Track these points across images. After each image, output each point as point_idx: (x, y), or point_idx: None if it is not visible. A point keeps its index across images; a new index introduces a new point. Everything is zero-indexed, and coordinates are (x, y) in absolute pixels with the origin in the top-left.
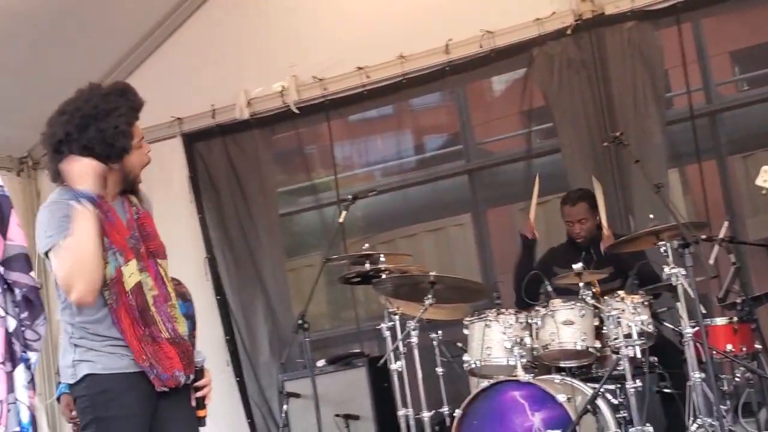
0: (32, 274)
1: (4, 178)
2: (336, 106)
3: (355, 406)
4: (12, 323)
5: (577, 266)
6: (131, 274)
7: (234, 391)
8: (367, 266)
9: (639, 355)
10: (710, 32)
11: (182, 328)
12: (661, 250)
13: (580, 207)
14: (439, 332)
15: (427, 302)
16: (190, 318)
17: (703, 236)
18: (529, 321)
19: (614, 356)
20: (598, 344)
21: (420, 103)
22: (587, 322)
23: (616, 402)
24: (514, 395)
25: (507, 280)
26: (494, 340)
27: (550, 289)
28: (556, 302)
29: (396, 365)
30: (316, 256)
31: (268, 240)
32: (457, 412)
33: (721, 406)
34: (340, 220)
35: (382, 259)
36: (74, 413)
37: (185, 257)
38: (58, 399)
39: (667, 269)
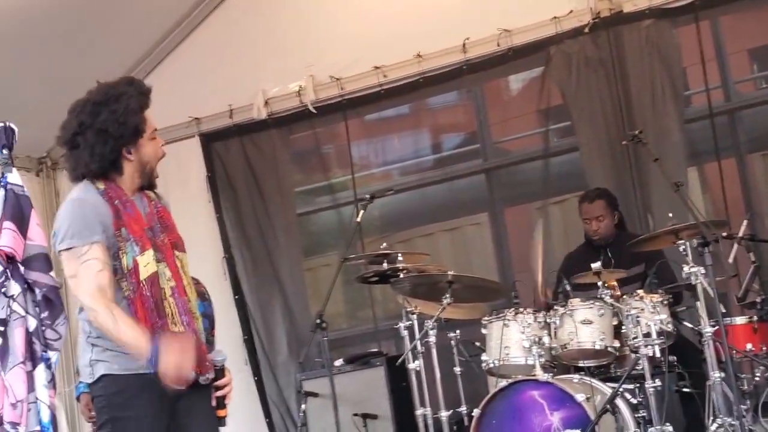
0: (52, 273)
1: (24, 178)
2: (353, 105)
3: (373, 405)
4: (32, 323)
5: (596, 265)
6: (147, 263)
7: (252, 390)
8: (385, 265)
9: (658, 355)
10: (728, 30)
11: (198, 324)
12: (681, 249)
13: (597, 204)
14: (457, 331)
15: (445, 301)
16: (209, 317)
17: (723, 235)
18: (548, 320)
19: (633, 355)
20: (617, 343)
21: (437, 102)
22: (606, 321)
23: (635, 401)
24: (533, 395)
25: (524, 279)
26: (513, 340)
27: (568, 288)
28: (575, 301)
29: (414, 364)
30: (334, 256)
31: (286, 239)
32: (476, 412)
33: (741, 406)
34: (358, 219)
35: (400, 258)
36: (93, 413)
37: (203, 257)
38: (78, 398)
39: (686, 268)
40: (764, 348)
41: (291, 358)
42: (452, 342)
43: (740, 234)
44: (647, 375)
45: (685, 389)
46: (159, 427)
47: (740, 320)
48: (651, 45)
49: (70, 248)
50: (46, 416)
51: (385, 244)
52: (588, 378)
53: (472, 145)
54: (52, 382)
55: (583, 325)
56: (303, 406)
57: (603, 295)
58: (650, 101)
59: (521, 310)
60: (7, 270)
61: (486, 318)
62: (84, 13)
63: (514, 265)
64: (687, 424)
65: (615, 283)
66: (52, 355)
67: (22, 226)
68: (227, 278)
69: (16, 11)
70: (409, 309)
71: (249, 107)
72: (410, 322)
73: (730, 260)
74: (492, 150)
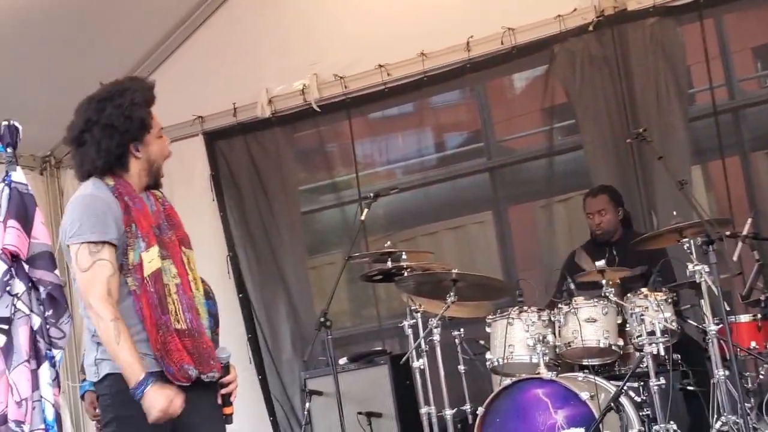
0: (56, 272)
1: (27, 177)
2: (357, 104)
3: (377, 403)
4: (37, 321)
5: (600, 263)
6: (151, 260)
7: (256, 388)
8: (389, 264)
9: (662, 353)
10: (732, 28)
11: (204, 320)
12: (685, 247)
13: (600, 198)
14: (462, 330)
15: (449, 300)
16: (213, 316)
17: (727, 233)
18: (552, 319)
19: (637, 354)
20: (621, 342)
21: (440, 100)
22: (610, 319)
23: (639, 400)
24: (537, 393)
25: (529, 278)
26: (517, 338)
27: (572, 286)
28: (579, 300)
29: (418, 363)
30: (338, 254)
31: (290, 238)
32: (480, 410)
33: (745, 404)
34: (362, 217)
35: (404, 256)
36: (98, 411)
37: (207, 255)
38: (82, 396)
39: (690, 266)
40: None
41: (295, 356)
42: (456, 340)
43: (744, 232)
44: (651, 373)
45: (689, 387)
46: (164, 425)
47: (744, 318)
48: (655, 43)
49: (85, 242)
50: (50, 414)
51: (389, 243)
52: (592, 376)
53: (476, 144)
54: (56, 381)
55: (588, 324)
56: (307, 405)
57: (607, 294)
58: (654, 99)
59: (525, 308)
60: (12, 268)
61: (490, 316)
62: (88, 12)
63: (518, 264)
64: (691, 423)
65: (618, 281)
66: (57, 354)
67: (27, 225)
68: (231, 277)
69: (20, 11)
70: (413, 307)
71: (253, 106)
72: (414, 320)
73: (735, 258)
74: (496, 148)
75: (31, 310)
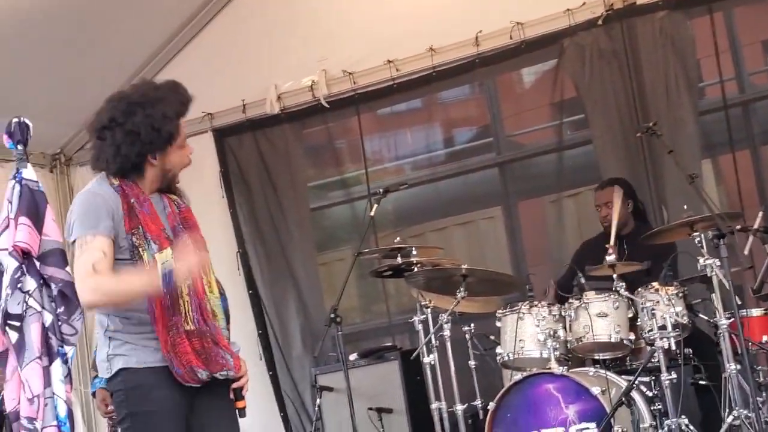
0: (68, 269)
1: (38, 174)
2: (366, 99)
3: (387, 399)
4: (48, 318)
5: (610, 258)
6: (164, 261)
7: (267, 385)
8: (399, 260)
9: (674, 347)
10: (742, 21)
11: (219, 322)
12: (696, 241)
13: (607, 191)
14: (472, 325)
15: (459, 295)
16: (224, 312)
17: (738, 227)
18: (563, 313)
19: (649, 348)
20: (632, 336)
21: (449, 95)
22: (621, 314)
23: (651, 394)
24: (548, 388)
25: (538, 273)
26: (527, 333)
27: (583, 281)
28: (590, 294)
29: (429, 358)
30: (347, 250)
31: (300, 234)
32: (491, 405)
33: (757, 398)
34: (371, 213)
35: (414, 252)
36: (110, 407)
37: (217, 252)
38: (94, 393)
39: (701, 260)
40: None
41: (305, 352)
42: (467, 336)
43: (755, 226)
44: (663, 367)
45: (700, 382)
46: (178, 420)
47: (756, 312)
48: (665, 37)
49: (78, 237)
50: (63, 411)
51: (398, 239)
52: (603, 371)
53: (485, 139)
54: (68, 377)
55: (599, 318)
56: (318, 401)
57: (618, 288)
58: (664, 93)
59: (536, 303)
60: (23, 265)
61: (500, 311)
62: (96, 9)
63: (528, 259)
64: (703, 417)
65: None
66: (69, 350)
67: (38, 222)
68: (241, 273)
69: (30, 10)
70: (423, 303)
71: (262, 102)
72: (424, 316)
73: (746, 252)
74: (505, 143)
75: (43, 307)
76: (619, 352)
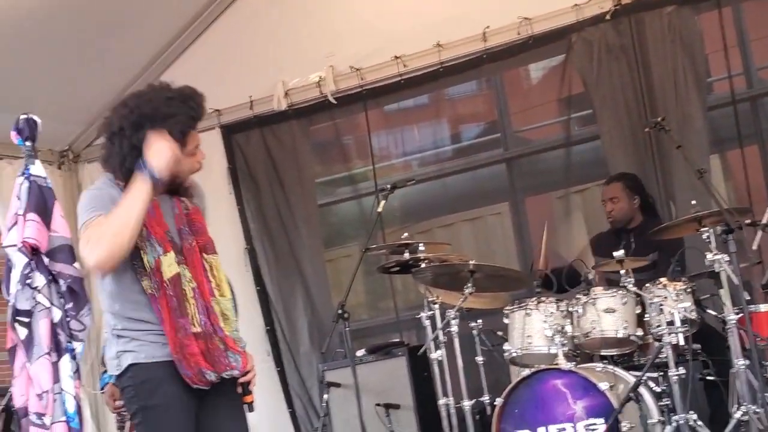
0: (76, 265)
1: (46, 171)
2: (373, 95)
3: (395, 395)
4: (57, 314)
5: (619, 253)
6: (169, 264)
7: (275, 381)
8: (407, 255)
9: (682, 343)
10: (751, 16)
11: (227, 325)
12: (704, 236)
13: (614, 186)
14: (479, 321)
15: (466, 291)
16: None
17: (746, 222)
18: (570, 309)
19: (657, 344)
20: (640, 332)
21: (457, 91)
22: (629, 309)
23: (658, 390)
24: (556, 384)
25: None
26: (535, 329)
27: (591, 276)
28: (597, 290)
29: (436, 354)
30: (354, 247)
31: (307, 230)
32: (498, 401)
33: (765, 394)
34: (379, 209)
35: (422, 248)
36: (117, 403)
37: (225, 248)
38: (102, 389)
39: (710, 256)
40: None
41: (313, 348)
42: (474, 331)
43: (764, 221)
44: (671, 363)
45: (709, 377)
46: (188, 414)
47: (764, 307)
48: (673, 32)
49: (84, 222)
50: (71, 406)
51: (406, 234)
52: (611, 366)
53: (493, 135)
54: (77, 373)
55: (606, 314)
56: (325, 397)
57: (626, 283)
58: (672, 88)
59: (543, 299)
60: (32, 262)
61: (508, 307)
62: (105, 6)
63: (536, 255)
64: (711, 413)
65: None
66: (77, 346)
67: (46, 218)
68: (249, 270)
69: (40, 8)
70: (430, 299)
71: (269, 98)
72: (432, 311)
73: (754, 247)
74: (513, 139)
75: (52, 303)
76: (626, 348)
